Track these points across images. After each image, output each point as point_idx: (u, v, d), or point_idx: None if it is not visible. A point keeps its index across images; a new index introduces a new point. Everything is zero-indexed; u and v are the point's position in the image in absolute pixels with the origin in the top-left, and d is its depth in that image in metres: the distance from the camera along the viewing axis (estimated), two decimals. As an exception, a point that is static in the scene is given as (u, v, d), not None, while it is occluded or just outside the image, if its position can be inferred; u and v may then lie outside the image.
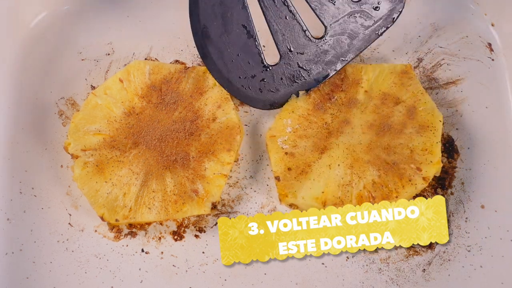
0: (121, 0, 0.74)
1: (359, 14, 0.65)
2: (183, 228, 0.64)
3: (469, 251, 0.63)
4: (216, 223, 0.64)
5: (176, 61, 0.71)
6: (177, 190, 0.62)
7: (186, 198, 0.62)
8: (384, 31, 0.65)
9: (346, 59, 0.66)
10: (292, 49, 0.66)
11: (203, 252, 0.64)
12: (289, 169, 0.63)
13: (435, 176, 0.65)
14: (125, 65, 0.71)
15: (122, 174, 0.63)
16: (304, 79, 0.66)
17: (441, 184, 0.66)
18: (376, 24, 0.65)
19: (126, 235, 0.64)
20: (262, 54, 0.66)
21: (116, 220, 0.61)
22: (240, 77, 0.66)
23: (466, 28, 0.71)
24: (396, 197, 0.62)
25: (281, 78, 0.66)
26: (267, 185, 0.66)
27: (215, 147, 0.63)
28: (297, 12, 0.65)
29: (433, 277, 0.63)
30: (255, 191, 0.66)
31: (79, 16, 0.73)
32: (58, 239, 0.64)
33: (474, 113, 0.69)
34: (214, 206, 0.62)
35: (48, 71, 0.70)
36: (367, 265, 0.63)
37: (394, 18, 0.65)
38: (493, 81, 0.70)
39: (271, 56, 0.67)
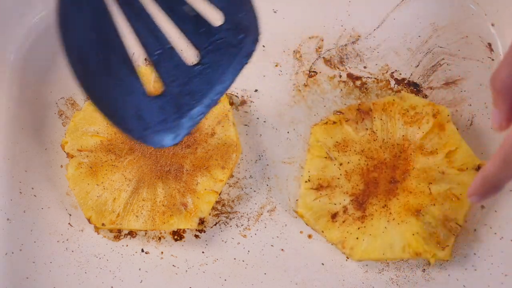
0: (121, 0, 0.73)
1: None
2: (182, 228, 0.64)
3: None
4: (216, 223, 0.65)
5: (176, 61, 0.71)
6: (166, 202, 0.62)
7: (174, 211, 0.61)
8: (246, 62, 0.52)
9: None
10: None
11: (203, 252, 0.64)
12: None
13: None
14: (125, 65, 0.71)
15: (114, 179, 0.63)
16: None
17: (441, 184, 0.65)
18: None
19: (126, 235, 0.64)
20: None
21: (103, 224, 0.61)
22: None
23: (466, 28, 0.71)
24: None
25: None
26: (267, 185, 0.66)
27: (210, 162, 0.63)
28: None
29: (433, 277, 0.62)
30: (255, 191, 0.66)
31: (79, 16, 0.73)
32: (58, 239, 0.64)
33: (474, 113, 0.68)
34: (201, 222, 0.61)
35: (48, 71, 0.70)
36: (367, 265, 0.63)
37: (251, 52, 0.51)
38: (493, 81, 0.70)
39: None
